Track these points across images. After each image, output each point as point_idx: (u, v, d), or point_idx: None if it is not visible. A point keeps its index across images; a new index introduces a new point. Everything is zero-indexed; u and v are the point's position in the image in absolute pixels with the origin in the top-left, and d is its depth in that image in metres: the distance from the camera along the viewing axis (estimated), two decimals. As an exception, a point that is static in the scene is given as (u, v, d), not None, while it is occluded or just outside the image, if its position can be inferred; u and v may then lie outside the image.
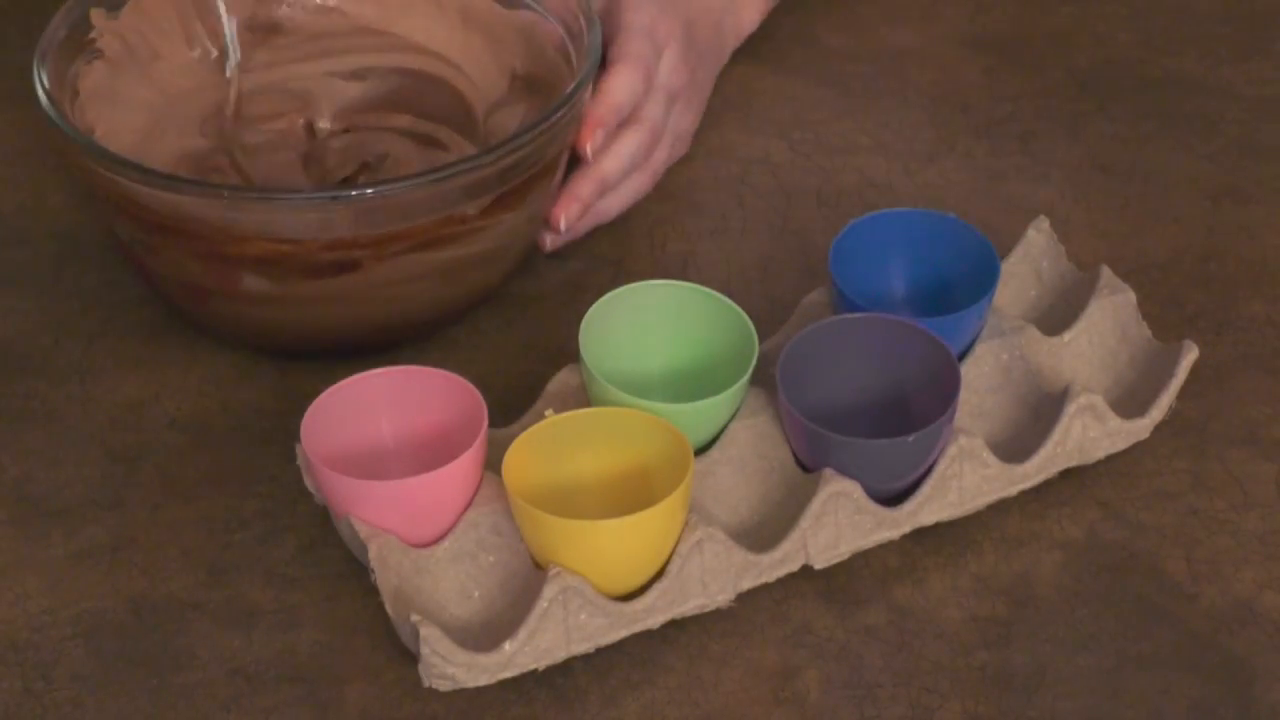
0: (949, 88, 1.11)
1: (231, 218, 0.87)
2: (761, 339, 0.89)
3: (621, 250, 1.01)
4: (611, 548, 0.80)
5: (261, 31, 1.04)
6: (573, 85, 0.92)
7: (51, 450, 0.90)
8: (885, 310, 0.88)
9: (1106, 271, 0.93)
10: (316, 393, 0.92)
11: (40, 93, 0.91)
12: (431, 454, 0.84)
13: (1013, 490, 0.88)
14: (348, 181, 0.97)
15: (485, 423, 0.83)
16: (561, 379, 0.89)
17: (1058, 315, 0.93)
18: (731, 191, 1.05)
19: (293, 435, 0.90)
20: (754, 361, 0.85)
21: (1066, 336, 0.91)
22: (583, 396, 0.87)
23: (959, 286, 0.90)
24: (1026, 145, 1.07)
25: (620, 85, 0.97)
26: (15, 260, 0.99)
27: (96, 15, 0.98)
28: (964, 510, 0.87)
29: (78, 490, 0.88)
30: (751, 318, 0.87)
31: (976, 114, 1.09)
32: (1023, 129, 1.08)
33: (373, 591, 0.84)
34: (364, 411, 0.85)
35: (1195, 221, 1.03)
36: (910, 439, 0.83)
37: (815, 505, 0.83)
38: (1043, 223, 0.95)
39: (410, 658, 0.81)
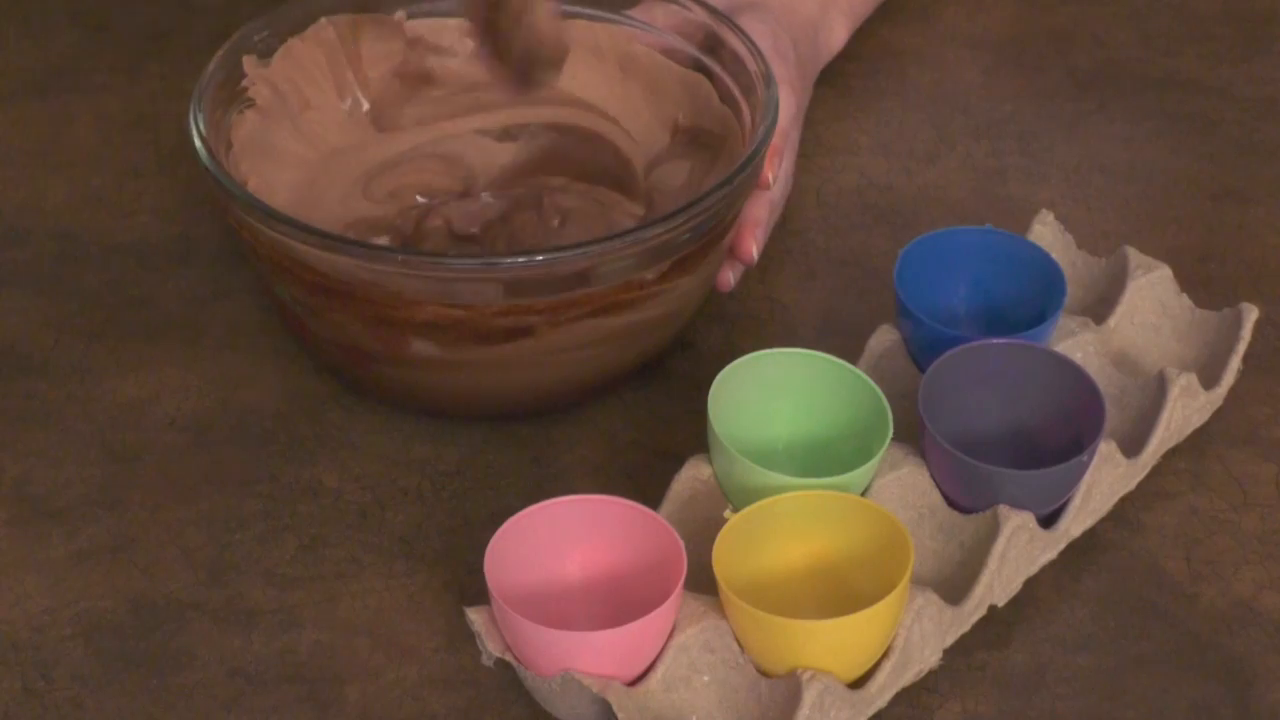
0: (948, 88, 1.11)
1: (404, 282, 0.83)
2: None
3: (621, 250, 1.01)
4: (859, 639, 0.77)
5: (412, 81, 0.99)
6: (755, 144, 0.88)
7: (51, 450, 0.90)
8: (950, 329, 0.87)
9: (1133, 252, 0.93)
10: (316, 393, 0.92)
11: (197, 142, 0.88)
12: (611, 582, 0.80)
13: (1133, 484, 0.88)
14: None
15: (684, 554, 0.78)
16: (688, 476, 0.84)
17: (1087, 304, 0.94)
18: (731, 191, 1.04)
19: (293, 435, 0.90)
20: (890, 426, 0.82)
21: (1112, 322, 0.91)
22: (714, 490, 0.84)
23: (1013, 301, 0.90)
24: (1026, 145, 1.07)
25: (785, 111, 0.94)
26: (15, 260, 0.99)
27: (249, 62, 0.94)
28: (1099, 515, 0.86)
29: (78, 490, 0.88)
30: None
31: (976, 114, 1.09)
32: (1022, 129, 1.08)
33: (373, 591, 0.84)
34: (543, 545, 0.80)
35: (1195, 221, 1.03)
36: (1084, 457, 0.82)
37: (999, 545, 0.81)
38: (1046, 216, 0.95)
39: (410, 657, 0.81)
